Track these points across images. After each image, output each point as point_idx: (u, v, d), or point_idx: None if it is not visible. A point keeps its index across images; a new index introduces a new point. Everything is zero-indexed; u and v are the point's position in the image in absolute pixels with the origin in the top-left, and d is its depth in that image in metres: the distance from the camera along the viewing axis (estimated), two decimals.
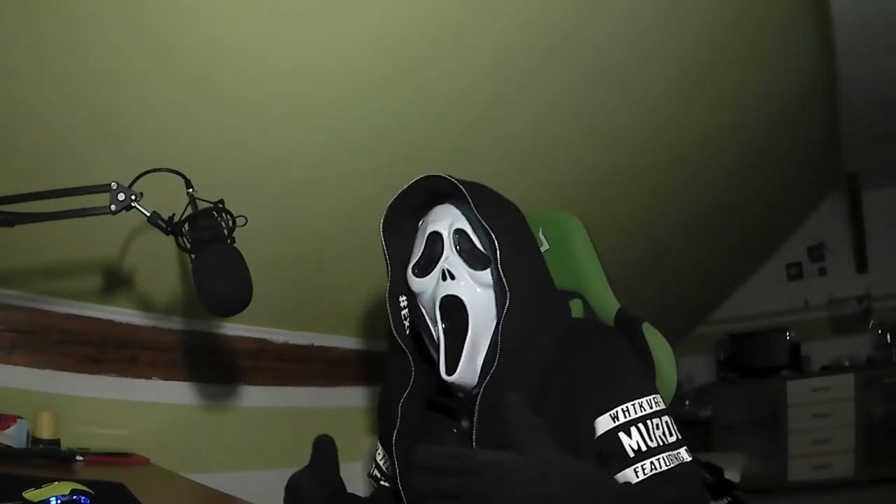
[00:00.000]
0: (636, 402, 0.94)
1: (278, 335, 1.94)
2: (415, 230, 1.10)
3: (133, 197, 0.94)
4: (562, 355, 0.99)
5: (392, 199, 1.06)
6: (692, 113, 2.60)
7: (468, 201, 0.98)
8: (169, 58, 1.22)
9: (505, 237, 0.97)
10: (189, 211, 0.99)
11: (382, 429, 1.15)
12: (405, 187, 1.05)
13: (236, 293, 0.98)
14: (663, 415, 0.95)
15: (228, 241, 0.99)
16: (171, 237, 0.98)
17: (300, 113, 1.46)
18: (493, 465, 0.72)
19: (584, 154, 2.30)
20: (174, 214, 0.99)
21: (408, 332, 1.09)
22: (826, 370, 4.60)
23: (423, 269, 1.04)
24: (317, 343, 2.05)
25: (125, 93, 1.23)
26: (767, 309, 5.05)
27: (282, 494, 1.04)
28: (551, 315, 1.03)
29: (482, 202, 0.99)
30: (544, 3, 1.65)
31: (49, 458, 1.24)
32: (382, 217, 1.07)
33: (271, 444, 1.91)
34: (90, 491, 0.80)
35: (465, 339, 0.97)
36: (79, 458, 1.25)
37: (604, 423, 0.93)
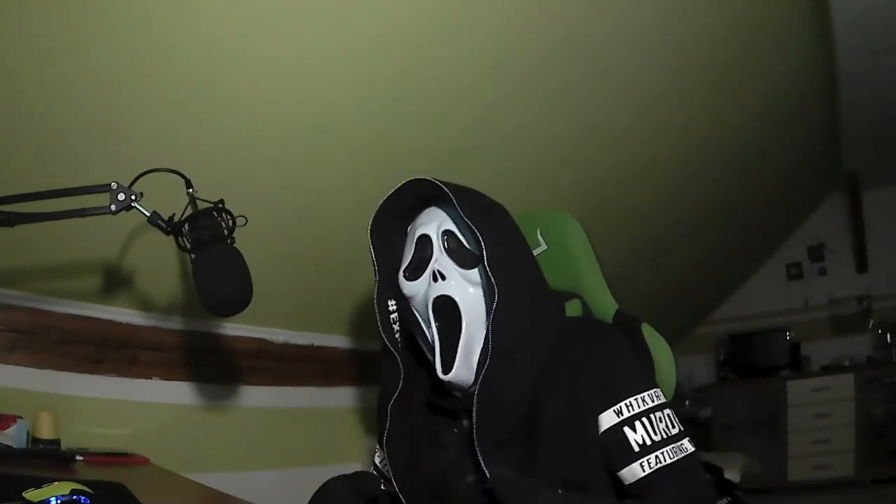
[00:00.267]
0: (639, 396, 0.96)
1: (278, 335, 1.94)
2: (402, 235, 1.11)
3: (133, 197, 0.94)
4: (561, 353, 1.00)
5: (379, 203, 1.07)
6: (692, 113, 2.60)
7: (454, 203, 1.00)
8: (169, 58, 1.22)
9: (491, 236, 0.98)
10: (189, 211, 0.99)
11: (379, 432, 1.16)
12: (392, 192, 1.06)
13: (236, 293, 0.98)
14: (665, 408, 0.97)
15: (228, 241, 0.99)
16: (171, 237, 0.98)
17: (300, 113, 1.46)
18: None
19: (584, 154, 2.30)
20: (174, 214, 0.99)
21: (397, 335, 1.11)
22: (826, 370, 4.59)
23: (414, 272, 1.05)
24: (316, 343, 2.05)
25: (125, 93, 1.23)
26: (767, 309, 5.05)
27: (282, 494, 1.04)
28: (544, 314, 1.04)
29: (468, 204, 1.00)
30: (544, 3, 1.65)
31: (49, 458, 1.24)
32: (370, 222, 1.08)
33: (271, 444, 1.91)
34: (90, 491, 0.80)
35: (459, 337, 0.98)
36: (79, 458, 1.25)
37: (608, 419, 0.95)
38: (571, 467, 0.95)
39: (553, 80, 1.90)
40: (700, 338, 5.13)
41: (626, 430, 0.94)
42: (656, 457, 0.93)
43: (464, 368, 0.99)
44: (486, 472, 0.94)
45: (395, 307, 1.10)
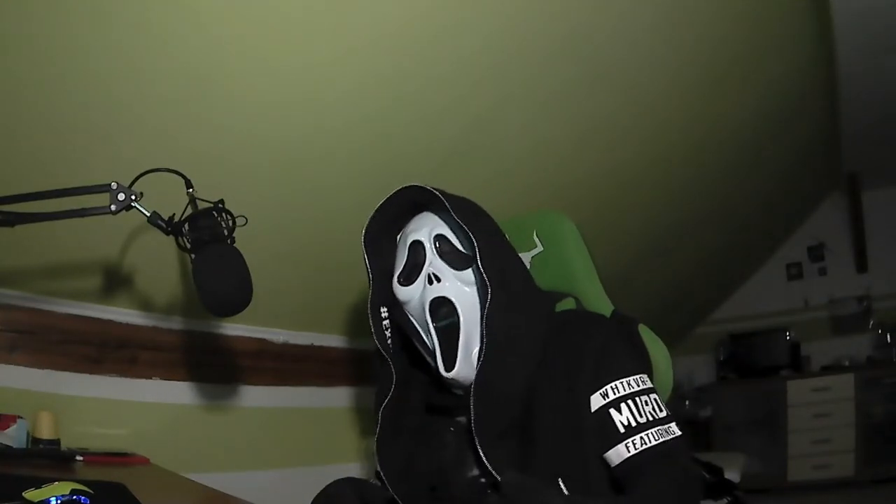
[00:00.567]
0: (624, 380, 0.98)
1: (278, 335, 1.94)
2: (393, 242, 1.14)
3: (133, 197, 0.94)
4: (555, 343, 1.03)
5: (372, 212, 1.10)
6: (692, 113, 2.60)
7: (445, 208, 1.03)
8: (169, 58, 1.22)
9: (483, 237, 1.01)
10: (189, 211, 0.99)
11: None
12: (384, 200, 1.10)
13: (236, 293, 0.98)
14: (651, 392, 1.00)
15: (228, 241, 0.99)
16: (171, 237, 0.98)
17: (300, 113, 1.46)
18: None
19: (585, 154, 2.30)
20: (174, 214, 0.99)
21: (388, 341, 1.13)
22: (826, 370, 4.60)
23: (409, 277, 1.08)
24: (317, 343, 2.05)
25: (125, 93, 1.22)
26: (767, 309, 5.05)
27: (282, 494, 1.05)
28: (536, 310, 1.07)
29: (459, 208, 1.03)
30: (544, 3, 1.65)
31: (49, 458, 1.24)
32: (364, 230, 1.10)
33: (271, 444, 1.91)
34: (90, 491, 0.80)
35: (458, 335, 1.01)
36: (79, 458, 1.25)
37: (596, 401, 0.98)
38: (569, 456, 0.97)
39: (553, 80, 1.90)
40: (700, 338, 5.13)
41: (612, 411, 0.96)
42: (642, 438, 0.95)
43: (465, 365, 1.01)
44: (487, 464, 0.96)
45: (386, 314, 1.14)
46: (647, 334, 1.15)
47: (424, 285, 1.05)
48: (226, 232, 0.98)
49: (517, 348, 1.00)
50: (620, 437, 0.95)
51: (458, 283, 1.04)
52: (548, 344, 1.03)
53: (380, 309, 1.13)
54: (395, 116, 1.61)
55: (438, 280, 1.03)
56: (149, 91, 1.24)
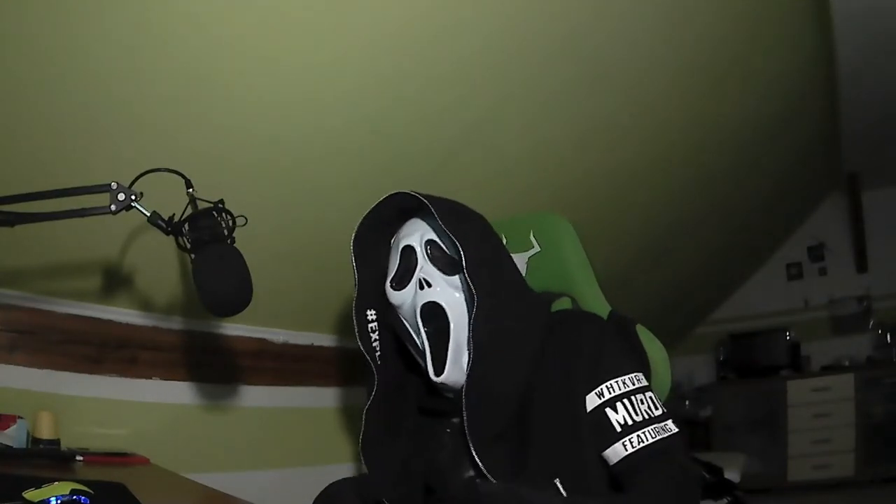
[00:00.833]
0: (619, 379, 0.99)
1: (278, 335, 1.94)
2: (383, 246, 1.15)
3: (133, 197, 0.94)
4: (551, 344, 1.03)
5: (362, 217, 1.12)
6: (692, 113, 2.60)
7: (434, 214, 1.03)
8: (169, 57, 1.21)
9: (469, 244, 1.02)
10: (189, 211, 0.99)
11: None
12: (374, 206, 1.11)
13: (236, 293, 0.98)
14: (647, 391, 1.00)
15: (228, 241, 0.99)
16: (171, 237, 0.98)
17: (300, 113, 1.46)
18: None
19: (584, 154, 2.30)
20: (174, 214, 0.99)
21: (374, 343, 1.15)
22: (826, 370, 4.60)
23: (400, 281, 1.09)
24: (317, 343, 2.05)
25: (125, 92, 1.22)
26: (767, 309, 5.06)
27: (282, 494, 1.06)
28: (527, 312, 1.07)
29: (446, 214, 1.04)
30: (544, 3, 1.65)
31: (49, 458, 1.24)
32: (353, 234, 1.12)
33: (271, 444, 1.91)
34: (90, 491, 0.80)
35: (448, 340, 1.02)
36: (79, 458, 1.25)
37: (591, 400, 0.99)
38: (566, 456, 0.98)
39: (553, 80, 1.90)
40: (700, 338, 5.14)
41: (608, 410, 0.97)
42: (638, 436, 0.95)
43: (454, 370, 1.02)
44: (481, 466, 0.97)
45: (374, 317, 1.15)
46: (644, 334, 1.16)
47: (416, 290, 1.06)
48: (226, 232, 0.98)
49: (507, 353, 1.01)
50: (617, 436, 0.96)
51: (449, 288, 1.05)
52: (544, 343, 1.03)
53: (366, 312, 1.15)
54: (395, 116, 1.61)
55: (430, 285, 1.04)
56: (149, 91, 1.24)
